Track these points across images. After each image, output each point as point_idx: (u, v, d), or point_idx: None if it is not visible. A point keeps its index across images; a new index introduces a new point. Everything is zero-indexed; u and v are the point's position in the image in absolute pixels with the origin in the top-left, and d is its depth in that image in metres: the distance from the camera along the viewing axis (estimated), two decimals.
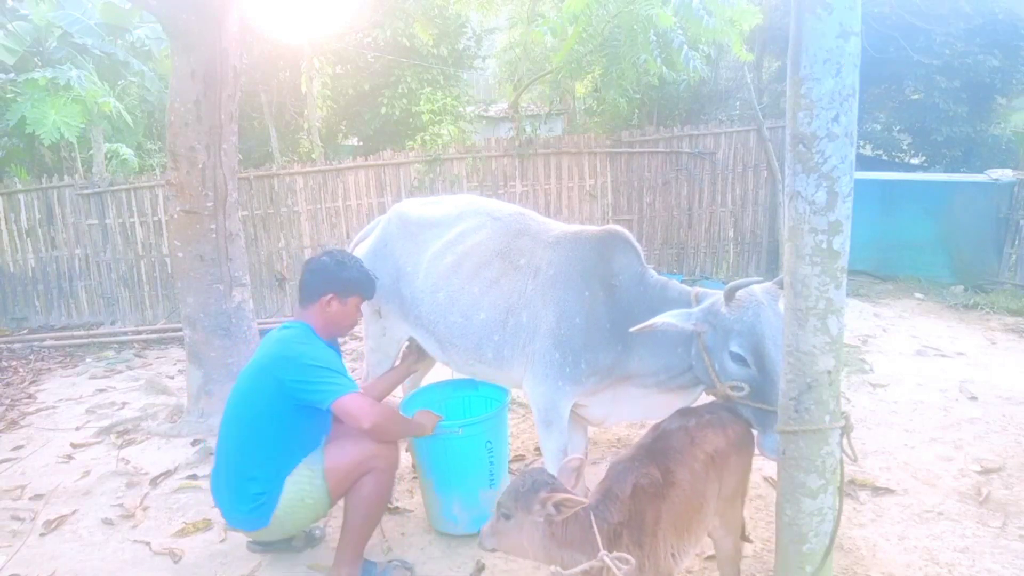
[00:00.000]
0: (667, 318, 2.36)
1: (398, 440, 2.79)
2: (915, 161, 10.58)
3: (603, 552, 1.76)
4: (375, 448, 2.65)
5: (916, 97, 9.72)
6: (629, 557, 1.79)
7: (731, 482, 2.25)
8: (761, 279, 2.50)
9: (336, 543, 2.75)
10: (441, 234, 3.06)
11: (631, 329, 2.41)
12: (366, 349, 3.45)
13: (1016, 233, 7.31)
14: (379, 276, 3.09)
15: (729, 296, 2.34)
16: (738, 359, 2.31)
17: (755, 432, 2.38)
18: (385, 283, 3.09)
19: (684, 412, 2.31)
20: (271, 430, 2.56)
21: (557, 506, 1.84)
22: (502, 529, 1.92)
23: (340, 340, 3.11)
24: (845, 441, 2.05)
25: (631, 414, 2.88)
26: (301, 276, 2.82)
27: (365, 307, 3.21)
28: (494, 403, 3.40)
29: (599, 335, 2.62)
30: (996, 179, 7.41)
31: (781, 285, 2.13)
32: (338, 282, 2.74)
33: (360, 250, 3.36)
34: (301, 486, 2.58)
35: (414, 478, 3.40)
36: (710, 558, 2.81)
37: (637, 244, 2.77)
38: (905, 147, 10.69)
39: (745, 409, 2.34)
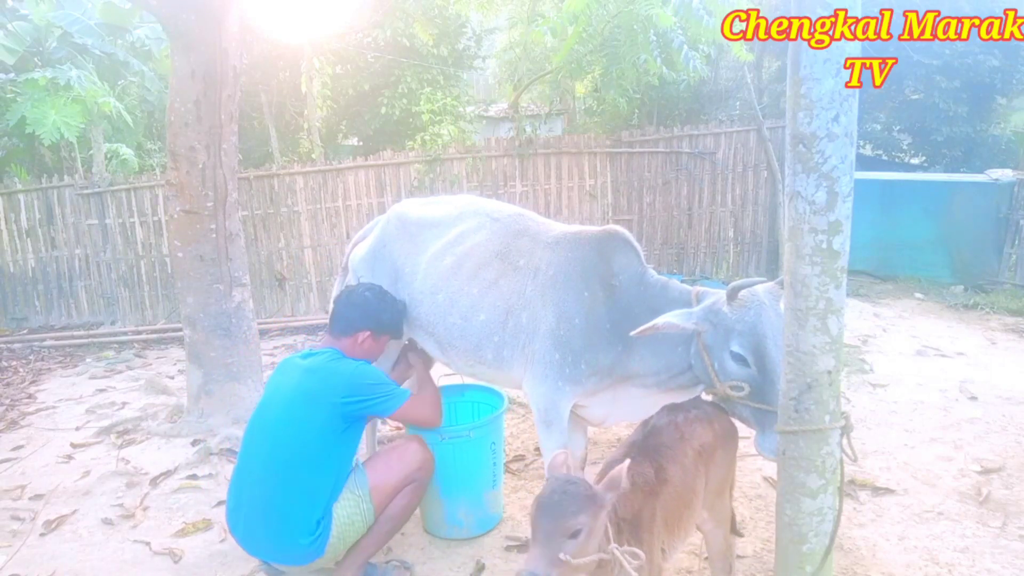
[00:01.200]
0: (669, 318, 2.36)
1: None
2: (915, 161, 10.58)
3: (613, 545, 1.73)
4: (419, 461, 2.70)
5: (916, 97, 9.71)
6: (639, 552, 1.77)
7: (718, 475, 2.26)
8: (764, 279, 2.50)
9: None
10: (440, 235, 3.05)
11: (632, 332, 2.40)
12: None
13: (1016, 233, 7.31)
14: (377, 277, 3.10)
15: (731, 295, 2.34)
16: (739, 359, 2.31)
17: (752, 431, 2.38)
18: (384, 284, 3.08)
19: (671, 408, 2.31)
20: (327, 457, 2.54)
21: (627, 476, 1.75)
22: (577, 551, 1.66)
23: None
24: (845, 441, 2.05)
25: (631, 414, 2.88)
26: (338, 306, 2.81)
27: None
28: (483, 408, 3.41)
29: (599, 335, 2.61)
30: (996, 179, 7.41)
31: (783, 285, 2.13)
32: (377, 322, 2.79)
33: (359, 251, 3.36)
34: (349, 510, 2.56)
35: None
36: (708, 557, 2.81)
37: (637, 244, 2.76)
38: (905, 147, 10.68)
39: (744, 409, 2.34)
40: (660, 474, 2.02)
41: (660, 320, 2.36)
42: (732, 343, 2.31)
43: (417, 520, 3.16)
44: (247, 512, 2.54)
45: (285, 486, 2.49)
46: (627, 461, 1.80)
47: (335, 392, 2.53)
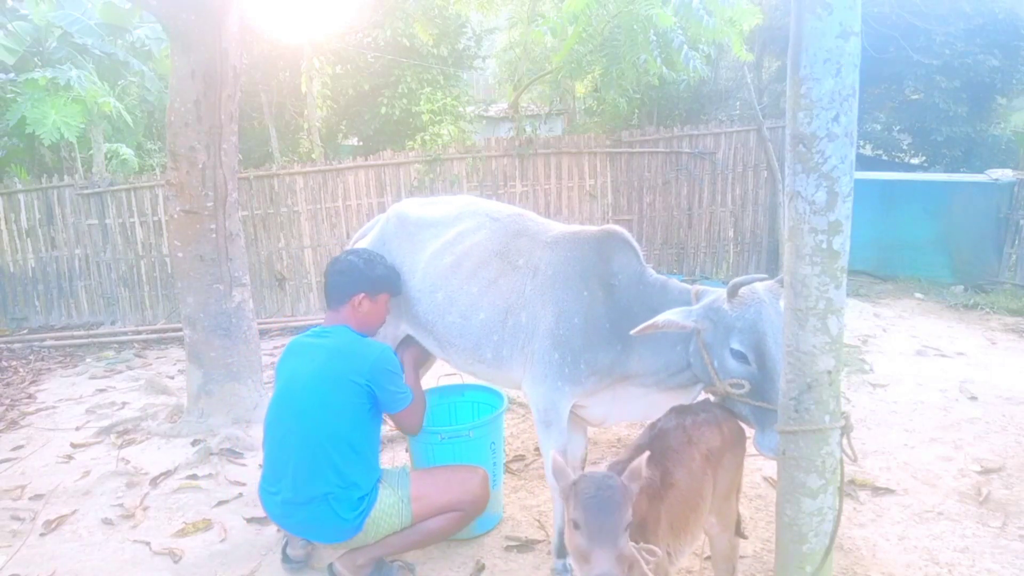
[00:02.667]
0: (668, 316, 2.36)
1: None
2: (915, 161, 10.59)
3: (630, 543, 1.72)
4: (475, 495, 2.70)
5: (916, 97, 9.72)
6: (656, 549, 1.76)
7: (726, 479, 2.25)
8: (765, 276, 2.49)
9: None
10: (439, 234, 3.06)
11: (632, 331, 2.40)
12: None
13: (1016, 233, 7.31)
14: None
15: (732, 293, 2.34)
16: (739, 356, 2.31)
17: (753, 430, 2.38)
18: None
19: (680, 410, 2.30)
20: (362, 434, 2.60)
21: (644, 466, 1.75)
22: (624, 541, 1.66)
23: None
24: (845, 441, 2.05)
25: (630, 414, 2.88)
26: (328, 278, 2.82)
27: None
28: (483, 408, 3.42)
29: (598, 335, 2.61)
30: (996, 179, 7.42)
31: (783, 283, 2.13)
32: (368, 281, 2.77)
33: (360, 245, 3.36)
34: (389, 503, 2.61)
35: None
36: (708, 557, 2.81)
37: (635, 243, 2.76)
38: (905, 147, 10.69)
39: (744, 407, 2.34)
40: (666, 478, 2.00)
41: (660, 318, 2.36)
42: (732, 340, 2.31)
43: None
44: (286, 495, 2.57)
45: (325, 468, 2.52)
46: (646, 453, 1.79)
47: (360, 373, 2.56)
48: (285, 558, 2.91)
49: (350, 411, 2.56)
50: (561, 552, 2.75)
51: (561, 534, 2.76)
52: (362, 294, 2.75)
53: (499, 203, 3.26)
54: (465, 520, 2.73)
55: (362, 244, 3.34)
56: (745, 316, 2.30)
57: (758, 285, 2.39)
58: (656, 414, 2.96)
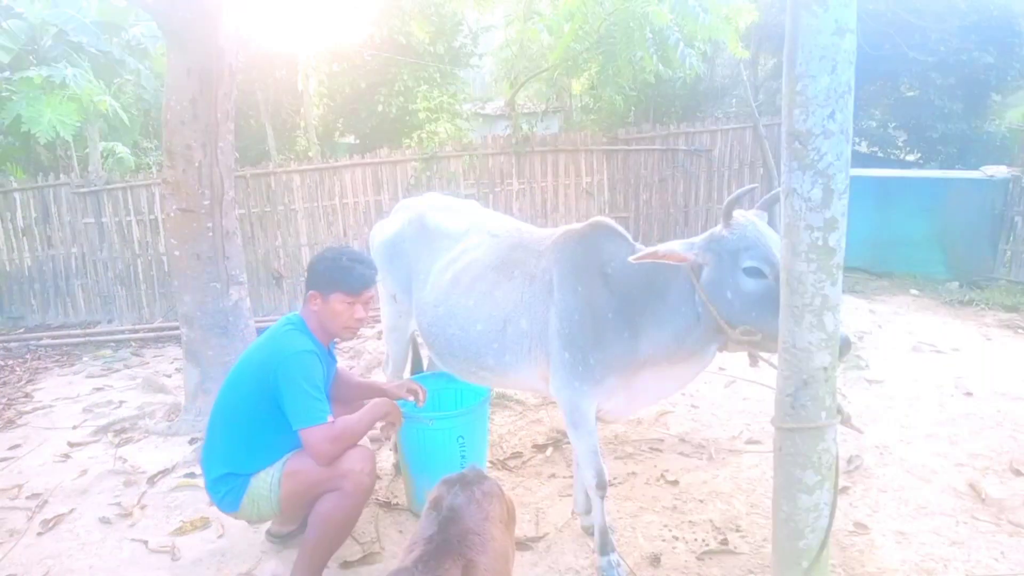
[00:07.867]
0: (670, 246, 2.38)
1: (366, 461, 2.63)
2: (910, 158, 10.60)
3: None
4: (346, 469, 2.51)
5: (911, 94, 9.75)
6: None
7: (512, 549, 2.06)
8: (755, 185, 2.51)
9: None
10: (450, 247, 3.16)
11: (631, 258, 2.42)
12: (384, 330, 3.65)
13: (1011, 229, 7.33)
14: (395, 268, 3.32)
15: (727, 215, 2.39)
16: (754, 272, 2.30)
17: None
18: (400, 277, 3.32)
19: (460, 481, 2.00)
20: (260, 427, 2.55)
21: None
22: None
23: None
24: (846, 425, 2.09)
25: (651, 398, 2.92)
26: None
27: (381, 291, 3.41)
28: (469, 396, 3.45)
29: (604, 327, 2.61)
30: (991, 175, 7.43)
31: (774, 200, 2.22)
32: (314, 276, 2.68)
33: (381, 235, 3.49)
34: (265, 480, 2.57)
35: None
36: (704, 553, 2.83)
37: (623, 230, 2.78)
38: (900, 144, 10.71)
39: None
40: (470, 571, 1.74)
41: (661, 247, 2.38)
42: (743, 260, 2.32)
43: (416, 517, 3.17)
44: (204, 455, 2.73)
45: (210, 439, 2.66)
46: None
47: (268, 368, 2.50)
48: (267, 536, 3.05)
49: (250, 401, 2.54)
50: (604, 549, 2.74)
51: (603, 532, 2.74)
52: (312, 291, 2.67)
53: (504, 219, 3.34)
54: (350, 501, 2.52)
55: (388, 230, 3.44)
56: (746, 234, 2.35)
57: (742, 211, 2.47)
58: (675, 389, 3.01)
